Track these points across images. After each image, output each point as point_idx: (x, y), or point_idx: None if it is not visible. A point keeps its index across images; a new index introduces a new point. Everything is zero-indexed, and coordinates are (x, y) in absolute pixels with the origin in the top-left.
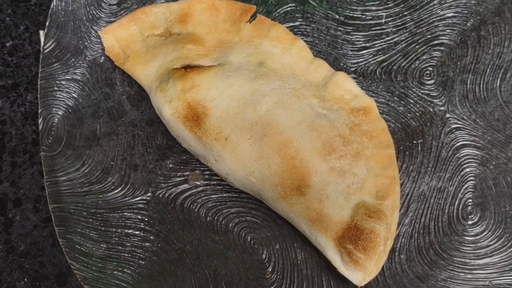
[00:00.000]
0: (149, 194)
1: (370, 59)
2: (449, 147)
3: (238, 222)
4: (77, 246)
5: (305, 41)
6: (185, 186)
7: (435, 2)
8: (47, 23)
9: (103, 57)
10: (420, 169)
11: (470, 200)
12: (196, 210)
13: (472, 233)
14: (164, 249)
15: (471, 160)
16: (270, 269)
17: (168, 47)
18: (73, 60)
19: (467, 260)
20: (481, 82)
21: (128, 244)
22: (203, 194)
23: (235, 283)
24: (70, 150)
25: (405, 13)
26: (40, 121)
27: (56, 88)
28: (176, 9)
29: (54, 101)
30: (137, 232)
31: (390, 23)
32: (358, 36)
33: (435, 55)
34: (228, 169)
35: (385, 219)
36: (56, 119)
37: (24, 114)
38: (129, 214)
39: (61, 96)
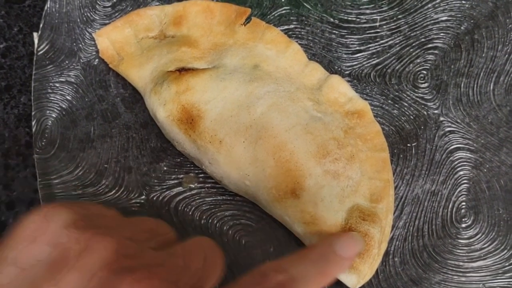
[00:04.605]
0: (143, 197)
1: (364, 62)
2: (443, 150)
3: (233, 225)
4: None
5: (299, 44)
6: (179, 189)
7: (429, 5)
8: (41, 25)
9: (97, 59)
10: (414, 172)
11: (463, 203)
12: (190, 213)
13: (465, 236)
14: None
15: (465, 163)
16: None
17: (162, 49)
18: (67, 62)
19: (461, 263)
20: (475, 85)
21: None
22: (197, 197)
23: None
24: (64, 153)
25: (399, 16)
26: (33, 123)
27: (49, 90)
28: (170, 11)
29: (48, 103)
30: None
31: (384, 27)
32: (352, 39)
33: (429, 58)
34: (222, 172)
35: (379, 222)
36: (50, 122)
37: (17, 116)
38: None
39: (55, 98)
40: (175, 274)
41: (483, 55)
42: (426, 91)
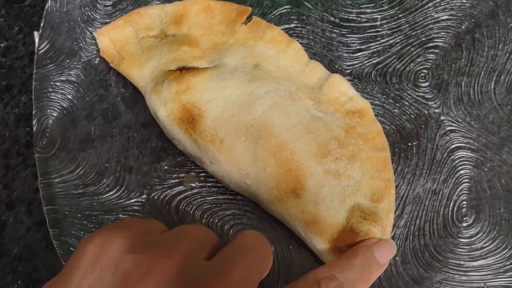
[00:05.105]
0: (144, 196)
1: (365, 62)
2: (444, 149)
3: (234, 224)
4: (71, 248)
5: (300, 43)
6: (180, 188)
7: (429, 5)
8: (41, 24)
9: (98, 59)
10: (415, 171)
11: (464, 202)
12: (191, 212)
13: (466, 235)
14: None
15: (466, 162)
16: None
17: (163, 48)
18: (67, 61)
19: (462, 262)
20: (476, 84)
21: None
22: (198, 196)
23: None
24: (64, 152)
25: (400, 15)
26: (34, 122)
27: (50, 90)
28: (171, 10)
29: (49, 102)
30: None
31: (385, 26)
32: (353, 39)
33: (429, 57)
34: (223, 171)
35: (380, 221)
36: (51, 121)
37: (17, 116)
38: (124, 216)
39: (56, 98)
40: (236, 279)
41: (484, 54)
42: (427, 90)
